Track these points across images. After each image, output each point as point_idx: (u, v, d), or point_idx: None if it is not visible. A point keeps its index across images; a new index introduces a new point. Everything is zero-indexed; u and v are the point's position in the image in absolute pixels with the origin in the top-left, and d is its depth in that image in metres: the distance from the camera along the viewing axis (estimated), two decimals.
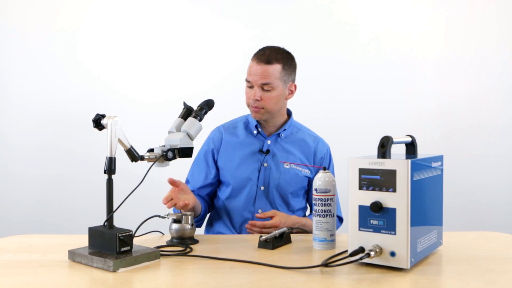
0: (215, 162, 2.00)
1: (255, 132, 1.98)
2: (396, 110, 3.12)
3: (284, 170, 1.94)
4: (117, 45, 3.16)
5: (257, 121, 1.97)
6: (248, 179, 1.93)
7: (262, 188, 1.94)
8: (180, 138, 1.51)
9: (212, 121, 2.06)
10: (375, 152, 1.30)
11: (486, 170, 3.11)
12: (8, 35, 3.16)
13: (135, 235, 1.49)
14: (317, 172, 1.94)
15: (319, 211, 1.48)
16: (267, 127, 1.98)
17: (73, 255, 1.37)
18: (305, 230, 1.74)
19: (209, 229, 2.05)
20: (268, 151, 1.94)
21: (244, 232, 1.91)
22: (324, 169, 1.52)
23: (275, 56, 1.87)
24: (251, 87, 1.88)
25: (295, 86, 1.97)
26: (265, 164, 1.94)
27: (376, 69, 3.12)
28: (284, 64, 1.89)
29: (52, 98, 3.16)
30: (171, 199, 1.66)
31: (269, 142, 1.97)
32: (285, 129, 1.98)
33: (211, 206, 2.05)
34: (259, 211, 1.92)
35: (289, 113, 2.04)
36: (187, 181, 2.03)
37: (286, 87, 1.91)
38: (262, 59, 1.86)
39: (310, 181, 1.98)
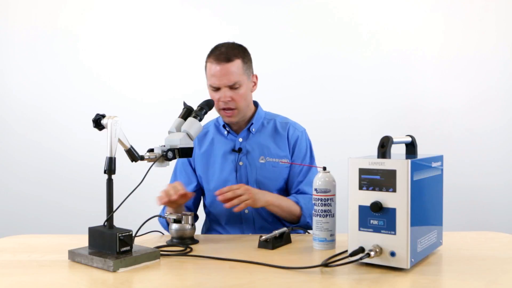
0: (194, 170, 1.97)
1: (225, 132, 1.94)
2: (396, 110, 3.12)
3: (260, 166, 1.88)
4: (117, 45, 3.16)
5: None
6: (227, 180, 1.89)
7: None
8: (180, 138, 1.51)
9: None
10: (375, 152, 1.30)
11: (486, 169, 3.10)
12: (8, 35, 3.16)
13: (136, 235, 1.49)
14: (292, 154, 1.93)
15: (319, 211, 1.48)
16: (236, 124, 1.93)
17: (73, 255, 1.37)
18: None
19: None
20: (240, 150, 1.91)
21: (234, 232, 1.90)
22: (324, 169, 1.51)
23: (233, 52, 1.81)
24: (216, 90, 1.81)
25: (256, 77, 1.92)
26: (240, 163, 1.89)
27: (376, 70, 3.11)
28: (243, 58, 1.83)
29: (52, 98, 3.15)
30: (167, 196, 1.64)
31: (240, 140, 1.92)
32: (252, 123, 1.92)
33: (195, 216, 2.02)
34: (246, 211, 1.88)
35: (256, 105, 1.98)
36: None
37: (250, 80, 1.87)
38: (221, 58, 1.78)
39: (289, 169, 1.92)
